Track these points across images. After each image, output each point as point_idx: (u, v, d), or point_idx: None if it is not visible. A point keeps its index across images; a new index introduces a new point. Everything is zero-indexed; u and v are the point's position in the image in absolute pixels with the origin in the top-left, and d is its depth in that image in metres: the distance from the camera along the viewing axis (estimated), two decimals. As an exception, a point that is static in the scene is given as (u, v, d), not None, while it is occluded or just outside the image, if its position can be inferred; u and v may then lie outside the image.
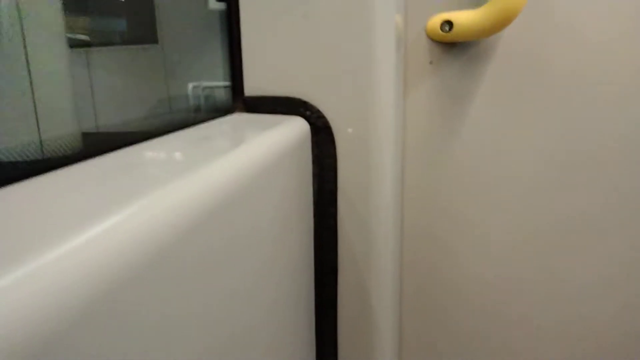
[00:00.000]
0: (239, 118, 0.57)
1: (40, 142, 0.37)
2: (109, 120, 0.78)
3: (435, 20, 0.63)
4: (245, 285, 0.33)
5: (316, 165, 0.58)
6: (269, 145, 0.42)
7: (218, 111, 0.66)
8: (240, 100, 0.60)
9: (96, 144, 0.44)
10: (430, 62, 0.67)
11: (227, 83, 0.64)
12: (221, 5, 0.71)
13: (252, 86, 0.59)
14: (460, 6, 0.64)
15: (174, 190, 0.25)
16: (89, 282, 0.17)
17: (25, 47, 0.35)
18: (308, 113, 0.57)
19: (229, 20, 0.59)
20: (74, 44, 0.71)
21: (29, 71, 0.35)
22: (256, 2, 0.57)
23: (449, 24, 0.61)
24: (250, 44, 0.58)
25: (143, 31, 0.80)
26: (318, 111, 0.57)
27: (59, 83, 0.38)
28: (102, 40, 0.78)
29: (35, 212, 0.22)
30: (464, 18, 0.60)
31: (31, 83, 0.36)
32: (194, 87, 0.83)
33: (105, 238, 0.19)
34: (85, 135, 0.41)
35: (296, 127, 0.53)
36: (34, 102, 0.36)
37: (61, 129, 0.38)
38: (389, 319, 0.63)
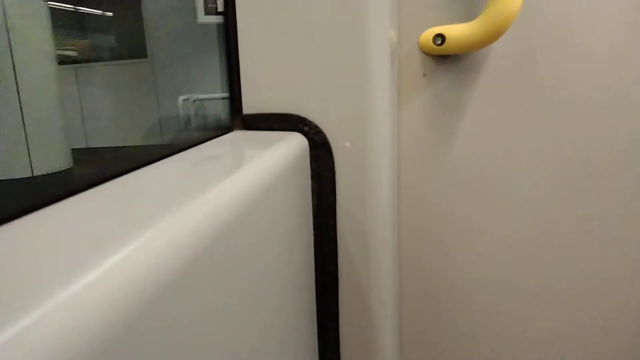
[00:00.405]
0: (239, 136, 0.57)
1: (30, 161, 0.37)
2: (98, 135, 0.77)
3: (428, 34, 0.64)
4: (249, 298, 0.34)
5: (315, 179, 0.58)
6: (270, 163, 0.43)
7: (209, 128, 0.66)
8: (239, 118, 0.60)
9: (86, 160, 0.44)
10: (424, 75, 0.68)
11: (218, 95, 0.64)
12: (209, 19, 0.71)
13: (250, 104, 0.59)
14: (452, 20, 0.65)
15: (185, 215, 0.26)
16: (117, 303, 0.17)
17: (14, 65, 0.35)
18: (306, 129, 0.57)
19: (227, 40, 0.59)
20: (62, 61, 0.70)
21: (17, 88, 0.35)
22: (253, 21, 0.57)
23: (441, 37, 0.63)
24: (248, 63, 0.58)
25: (132, 46, 0.80)
26: (316, 127, 0.57)
27: (47, 102, 0.38)
28: (91, 56, 0.77)
29: (49, 245, 0.22)
30: (456, 31, 0.61)
31: (20, 100, 0.35)
32: (184, 100, 0.82)
33: (124, 264, 0.19)
34: (75, 152, 0.41)
35: (295, 143, 0.54)
36: (23, 120, 0.36)
37: (50, 146, 0.38)
38: (390, 325, 0.64)
